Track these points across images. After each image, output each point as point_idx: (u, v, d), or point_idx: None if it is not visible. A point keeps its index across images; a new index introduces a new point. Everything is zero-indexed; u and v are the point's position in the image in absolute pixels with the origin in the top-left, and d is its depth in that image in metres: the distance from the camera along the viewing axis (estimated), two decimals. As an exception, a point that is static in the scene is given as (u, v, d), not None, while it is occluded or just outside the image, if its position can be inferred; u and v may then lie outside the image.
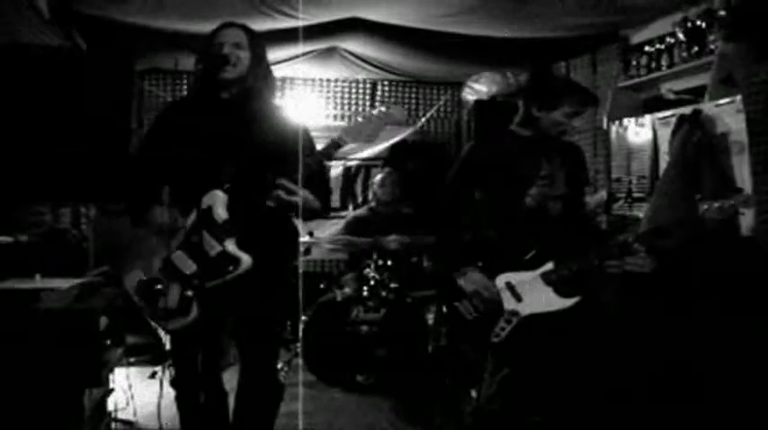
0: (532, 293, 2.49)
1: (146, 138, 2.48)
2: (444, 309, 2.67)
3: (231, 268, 2.20)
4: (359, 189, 6.10)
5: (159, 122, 2.44)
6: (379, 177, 4.81)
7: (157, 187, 2.32)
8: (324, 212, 2.49)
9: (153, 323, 2.41)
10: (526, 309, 2.48)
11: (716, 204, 2.35)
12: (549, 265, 2.51)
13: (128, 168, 2.42)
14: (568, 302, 2.48)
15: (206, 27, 2.42)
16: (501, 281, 2.52)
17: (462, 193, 2.65)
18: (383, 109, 2.27)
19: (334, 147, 2.26)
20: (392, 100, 6.24)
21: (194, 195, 2.24)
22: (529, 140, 2.62)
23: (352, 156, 6.04)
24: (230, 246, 2.20)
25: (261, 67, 2.34)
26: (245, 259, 2.20)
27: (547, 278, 2.50)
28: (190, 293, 2.21)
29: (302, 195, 2.20)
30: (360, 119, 2.28)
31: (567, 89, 2.62)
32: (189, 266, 2.20)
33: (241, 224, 2.20)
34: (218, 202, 2.20)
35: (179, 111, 2.42)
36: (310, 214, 2.36)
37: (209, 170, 2.23)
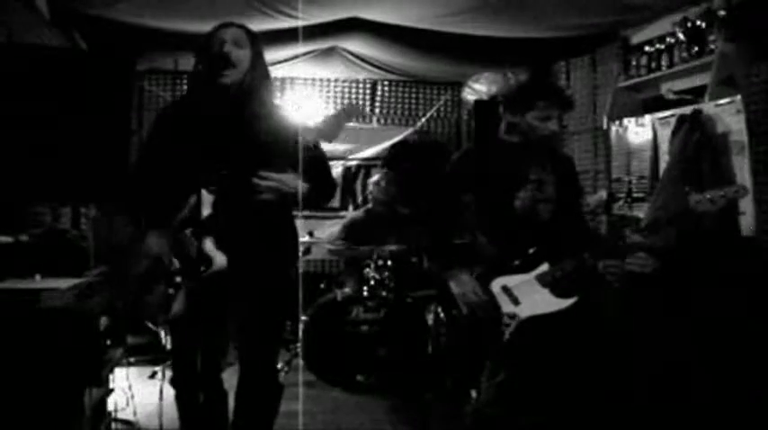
0: (529, 295, 2.48)
1: (147, 141, 2.48)
2: (441, 313, 2.67)
3: (204, 268, 2.20)
4: (359, 189, 6.10)
5: (159, 125, 2.42)
6: (375, 178, 4.82)
7: (161, 194, 2.30)
8: (323, 198, 2.43)
9: (140, 318, 2.43)
10: (524, 311, 2.48)
11: (707, 195, 2.33)
12: (544, 267, 2.51)
13: (133, 178, 2.42)
14: (566, 303, 2.47)
15: (206, 27, 2.41)
16: (497, 285, 2.52)
17: (453, 199, 2.65)
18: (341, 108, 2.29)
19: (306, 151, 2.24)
20: (392, 100, 6.25)
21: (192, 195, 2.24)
22: (517, 146, 2.63)
23: (352, 157, 6.04)
24: (207, 245, 2.20)
25: (260, 68, 2.32)
26: (219, 259, 2.19)
27: (542, 280, 2.50)
28: (171, 291, 2.24)
29: (279, 178, 2.18)
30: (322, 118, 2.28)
31: (537, 92, 2.60)
32: (172, 263, 2.22)
33: (230, 223, 2.20)
34: (203, 201, 2.20)
35: (178, 113, 2.41)
36: (309, 201, 2.30)
37: (209, 170, 2.23)
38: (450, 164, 2.74)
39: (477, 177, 2.60)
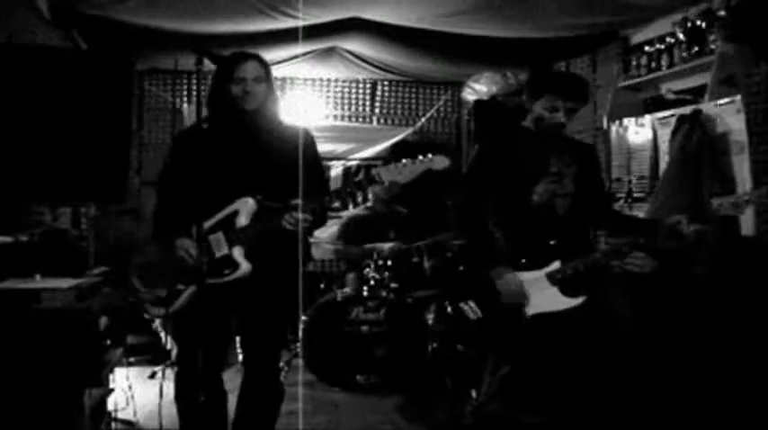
0: (538, 293, 2.46)
1: (170, 162, 2.53)
2: (449, 309, 2.65)
3: (228, 272, 2.29)
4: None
5: (178, 151, 2.49)
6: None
7: (185, 215, 2.37)
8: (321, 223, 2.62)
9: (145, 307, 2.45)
10: (532, 308, 2.46)
11: (730, 199, 2.31)
12: (556, 265, 2.47)
13: (160, 203, 2.50)
14: (574, 302, 2.44)
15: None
16: None
17: (480, 192, 2.60)
18: (429, 156, 2.29)
19: (368, 181, 2.47)
20: (392, 100, 6.25)
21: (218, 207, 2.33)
22: (538, 137, 2.56)
23: (352, 157, 6.04)
24: (237, 252, 2.30)
25: (273, 95, 2.43)
26: (244, 267, 2.30)
27: (552, 278, 2.46)
28: (181, 287, 2.30)
29: (302, 218, 2.29)
30: (403, 161, 2.32)
31: (551, 80, 2.57)
32: (191, 258, 2.28)
33: (262, 236, 2.29)
34: (245, 209, 2.31)
35: (197, 140, 2.44)
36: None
37: (232, 192, 2.33)
38: (474, 156, 2.70)
39: (499, 169, 2.55)
